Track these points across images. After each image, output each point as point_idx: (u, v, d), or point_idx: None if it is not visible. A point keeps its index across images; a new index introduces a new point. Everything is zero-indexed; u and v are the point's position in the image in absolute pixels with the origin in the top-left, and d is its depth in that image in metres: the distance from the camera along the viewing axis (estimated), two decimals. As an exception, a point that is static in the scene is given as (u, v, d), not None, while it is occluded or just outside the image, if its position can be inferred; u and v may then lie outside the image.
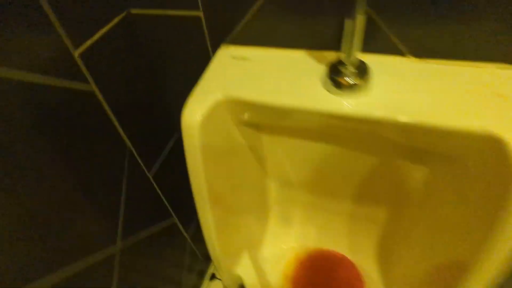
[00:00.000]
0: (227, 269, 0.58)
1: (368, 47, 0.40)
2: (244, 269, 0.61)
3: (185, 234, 0.79)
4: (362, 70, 0.36)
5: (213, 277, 1.03)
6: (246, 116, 0.46)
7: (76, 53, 0.38)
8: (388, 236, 0.63)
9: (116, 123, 0.48)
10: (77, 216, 0.43)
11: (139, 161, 0.55)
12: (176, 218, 0.73)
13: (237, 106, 0.42)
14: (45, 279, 0.38)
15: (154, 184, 0.61)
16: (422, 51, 0.38)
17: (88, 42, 0.40)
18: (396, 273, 0.58)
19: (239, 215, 0.60)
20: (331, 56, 0.41)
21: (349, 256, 0.68)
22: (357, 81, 0.35)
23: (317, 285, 0.64)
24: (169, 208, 0.69)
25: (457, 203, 0.43)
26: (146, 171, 0.58)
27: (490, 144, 0.32)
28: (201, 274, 0.98)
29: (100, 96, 0.44)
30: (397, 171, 0.52)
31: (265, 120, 0.47)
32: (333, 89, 0.37)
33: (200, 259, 0.94)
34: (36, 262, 0.37)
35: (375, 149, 0.51)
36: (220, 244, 0.53)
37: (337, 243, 0.69)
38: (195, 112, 0.37)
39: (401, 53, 0.39)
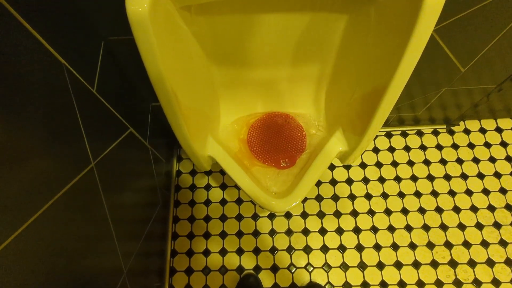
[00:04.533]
0: (198, 154, 0.65)
1: None
2: (211, 149, 0.69)
3: (142, 140, 0.82)
4: None
5: (180, 159, 1.13)
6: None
7: None
8: (321, 87, 0.75)
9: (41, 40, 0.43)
10: (50, 157, 0.43)
11: (80, 77, 0.52)
12: (131, 128, 0.74)
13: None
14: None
15: (101, 98, 0.60)
16: None
17: None
18: (331, 111, 0.73)
19: (196, 104, 0.64)
20: None
21: (291, 111, 0.81)
22: None
23: (267, 140, 0.77)
24: (121, 118, 0.69)
25: (376, 43, 0.53)
26: (89, 87, 0.55)
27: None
28: (168, 175, 1.07)
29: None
30: (323, 26, 0.59)
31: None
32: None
33: (163, 161, 1.01)
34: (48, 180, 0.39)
35: (299, 7, 0.55)
36: (188, 132, 0.58)
37: (280, 105, 0.80)
38: (139, 2, 0.36)
39: None
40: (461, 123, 1.14)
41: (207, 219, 1.05)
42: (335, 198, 1.06)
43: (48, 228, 0.42)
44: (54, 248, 0.43)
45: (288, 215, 1.04)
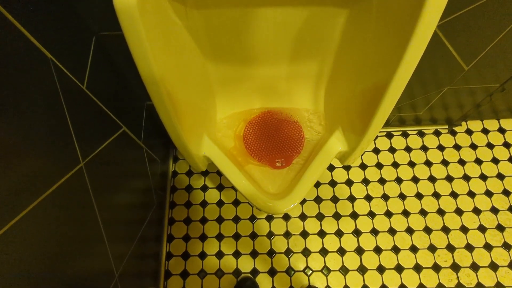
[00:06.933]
0: (193, 154, 0.63)
1: None
2: (206, 149, 0.66)
3: (136, 140, 0.80)
4: None
5: (176, 159, 1.11)
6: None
7: None
8: (321, 84, 0.73)
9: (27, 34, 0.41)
10: (35, 155, 0.41)
11: (68, 73, 0.50)
12: (124, 127, 0.72)
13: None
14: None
15: (91, 96, 0.58)
16: None
17: None
18: (331, 110, 0.71)
19: (191, 102, 0.62)
20: None
21: (289, 108, 0.78)
22: None
23: (264, 137, 0.75)
24: (113, 116, 0.67)
25: (377, 39, 0.51)
26: (79, 84, 0.53)
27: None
28: (163, 176, 1.04)
29: None
30: (322, 20, 0.57)
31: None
32: None
33: (158, 161, 0.98)
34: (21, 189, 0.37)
35: (298, 0, 0.53)
36: (182, 131, 0.55)
37: (278, 102, 0.78)
38: (126, -9, 0.34)
39: None
40: (463, 123, 1.12)
41: (204, 221, 1.03)
42: (335, 199, 1.04)
43: (33, 229, 0.39)
44: (39, 249, 0.40)
45: (286, 217, 1.02)
